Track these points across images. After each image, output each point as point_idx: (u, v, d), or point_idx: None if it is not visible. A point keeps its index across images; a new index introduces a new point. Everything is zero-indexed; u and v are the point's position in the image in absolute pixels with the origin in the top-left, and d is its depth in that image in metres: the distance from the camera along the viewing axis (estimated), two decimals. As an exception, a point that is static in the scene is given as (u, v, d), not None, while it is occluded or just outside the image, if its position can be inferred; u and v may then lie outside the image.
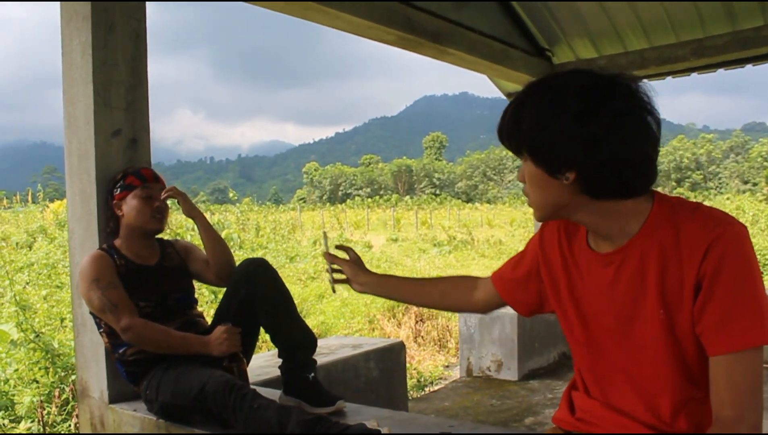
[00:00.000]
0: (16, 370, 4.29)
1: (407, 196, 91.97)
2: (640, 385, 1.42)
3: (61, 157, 2.93)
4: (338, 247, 2.17)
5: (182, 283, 2.83)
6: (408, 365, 5.78)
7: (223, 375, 2.38)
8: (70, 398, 4.04)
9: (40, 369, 4.23)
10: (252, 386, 2.43)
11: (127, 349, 2.61)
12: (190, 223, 10.57)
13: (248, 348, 2.77)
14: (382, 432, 2.20)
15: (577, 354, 1.56)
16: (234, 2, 3.70)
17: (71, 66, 2.83)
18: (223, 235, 9.09)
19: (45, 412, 3.93)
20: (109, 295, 2.52)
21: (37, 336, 4.37)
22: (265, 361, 3.61)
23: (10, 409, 4.06)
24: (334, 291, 2.18)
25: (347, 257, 2.09)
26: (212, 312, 2.86)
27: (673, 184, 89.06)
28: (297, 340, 2.69)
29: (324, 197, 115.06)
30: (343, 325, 7.61)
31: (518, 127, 1.35)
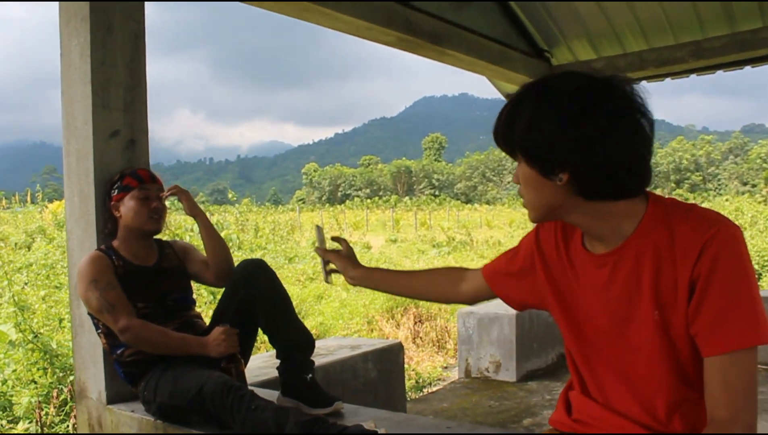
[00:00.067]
0: (15, 370, 4.29)
1: (406, 197, 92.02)
2: (635, 386, 1.42)
3: (60, 157, 2.93)
4: (333, 238, 2.18)
5: (180, 284, 2.83)
6: (406, 366, 5.78)
7: (220, 376, 2.38)
8: (69, 399, 4.04)
9: (38, 370, 4.23)
10: (250, 387, 2.43)
11: (125, 350, 2.61)
12: (189, 223, 10.57)
13: (246, 349, 2.77)
14: (380, 433, 2.20)
15: (573, 354, 1.56)
16: (233, 3, 3.71)
17: (70, 66, 2.83)
18: (221, 235, 9.05)
19: (43, 412, 3.92)
20: (107, 295, 2.52)
21: (36, 336, 4.36)
22: (263, 361, 3.61)
23: (8, 409, 4.05)
24: (327, 282, 2.20)
25: (340, 248, 2.12)
26: (211, 313, 2.86)
27: (672, 185, 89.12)
28: (295, 341, 2.70)
29: (323, 198, 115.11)
30: (341, 326, 7.61)
31: (512, 129, 1.36)
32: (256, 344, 3.11)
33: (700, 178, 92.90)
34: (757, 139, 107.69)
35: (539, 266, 1.58)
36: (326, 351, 3.91)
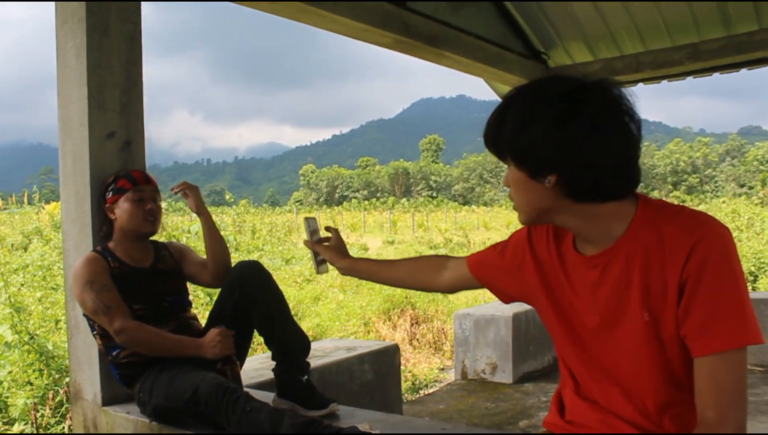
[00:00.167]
0: (10, 372, 4.27)
1: (404, 199, 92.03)
2: (625, 386, 1.43)
3: (57, 158, 2.93)
4: (326, 228, 2.21)
5: (176, 286, 2.83)
6: (403, 368, 5.78)
7: (216, 377, 2.38)
8: (64, 400, 4.03)
9: (34, 371, 4.22)
10: (245, 389, 2.43)
11: (121, 352, 2.61)
12: (186, 225, 10.56)
13: (242, 350, 2.77)
14: (372, 434, 2.21)
15: (564, 355, 1.56)
16: (230, 4, 3.71)
17: (66, 68, 2.83)
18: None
19: (39, 414, 3.92)
20: (102, 297, 2.52)
21: (32, 338, 4.35)
22: (259, 363, 3.61)
23: (3, 411, 4.05)
24: (318, 273, 2.23)
25: (329, 235, 2.17)
26: (207, 314, 2.86)
27: (670, 187, 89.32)
28: (291, 342, 2.70)
29: (321, 199, 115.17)
30: (338, 328, 7.60)
31: (501, 132, 1.38)
32: (252, 346, 3.12)
33: (697, 180, 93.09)
34: (754, 142, 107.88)
35: (531, 265, 1.59)
36: (322, 353, 3.91)
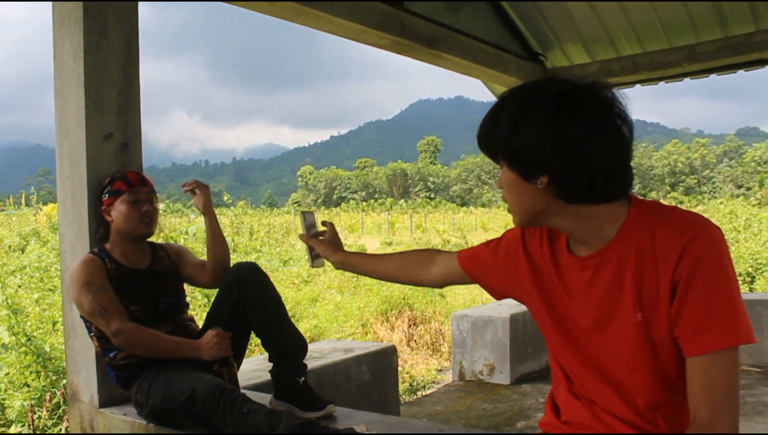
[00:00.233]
0: (7, 373, 4.27)
1: (402, 200, 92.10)
2: (618, 386, 1.44)
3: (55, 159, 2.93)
4: (323, 223, 2.23)
5: (173, 287, 2.83)
6: (401, 369, 5.78)
7: (213, 379, 2.38)
8: (61, 402, 4.02)
9: (31, 373, 4.22)
10: (242, 390, 2.43)
11: (118, 353, 2.61)
12: (184, 226, 10.55)
13: (239, 352, 2.77)
14: (364, 433, 2.21)
15: (557, 354, 1.57)
16: (228, 5, 3.71)
17: (63, 69, 2.83)
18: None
19: (36, 416, 3.91)
20: (99, 298, 2.51)
21: (29, 339, 4.35)
22: (256, 365, 3.61)
23: (0, 413, 4.04)
24: (312, 267, 2.25)
25: (325, 230, 2.19)
26: (205, 315, 2.86)
27: (668, 188, 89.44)
28: (288, 344, 2.70)
29: (319, 201, 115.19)
30: (336, 329, 7.60)
31: (494, 134, 1.39)
32: (249, 347, 3.11)
33: (695, 181, 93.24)
34: (751, 143, 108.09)
35: (524, 265, 1.59)
36: (319, 354, 3.91)
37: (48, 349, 4.32)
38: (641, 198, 1.43)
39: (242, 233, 16.34)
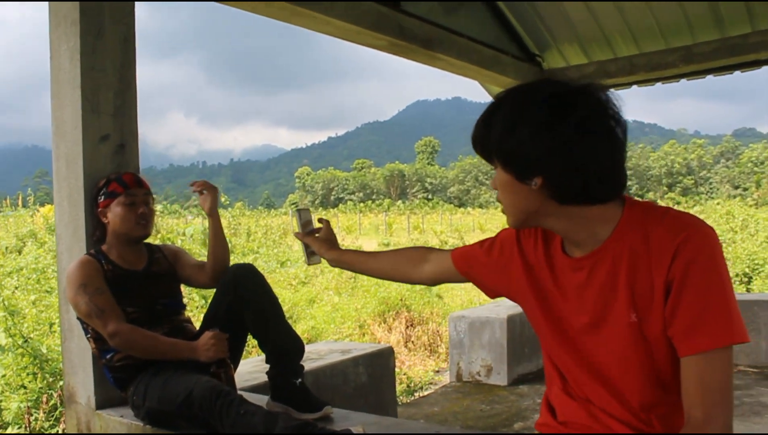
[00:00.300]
0: (4, 375, 4.26)
1: (399, 201, 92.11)
2: (613, 386, 1.44)
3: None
4: (319, 220, 2.24)
5: (170, 289, 2.82)
6: (398, 370, 5.78)
7: (209, 381, 2.38)
8: (58, 404, 4.02)
9: (28, 374, 4.21)
10: (239, 392, 2.43)
11: (115, 355, 2.60)
12: (181, 227, 10.54)
13: (236, 353, 2.76)
14: (354, 433, 2.21)
15: (552, 354, 1.57)
16: (225, 6, 3.71)
17: (59, 71, 2.82)
18: (208, 239, 9.02)
19: (32, 418, 3.91)
20: (96, 300, 2.51)
21: (26, 341, 4.35)
22: (253, 366, 3.61)
23: (-3, 414, 4.04)
24: (308, 264, 2.25)
25: (321, 226, 2.19)
26: (202, 317, 2.86)
27: (665, 189, 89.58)
28: (284, 345, 2.69)
29: (316, 202, 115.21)
30: (333, 330, 7.61)
31: (489, 135, 1.39)
32: (246, 348, 3.11)
33: (692, 181, 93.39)
34: (748, 143, 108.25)
35: (519, 265, 1.60)
36: (316, 355, 3.91)
37: (45, 351, 4.32)
38: (635, 199, 1.44)
39: (240, 234, 16.35)
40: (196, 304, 6.62)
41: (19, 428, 3.88)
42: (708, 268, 1.29)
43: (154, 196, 2.84)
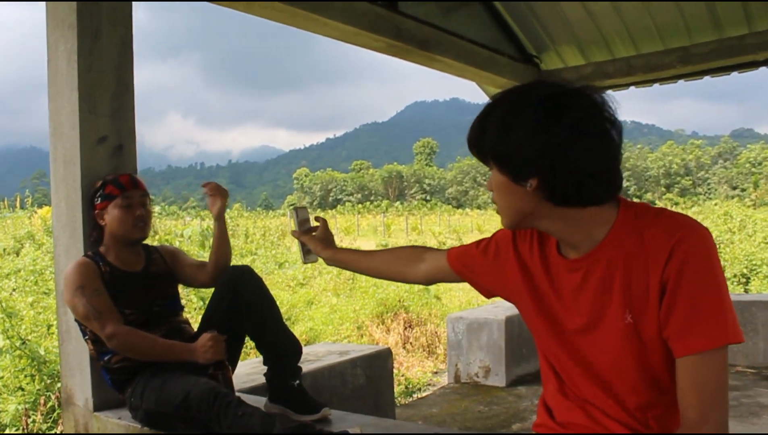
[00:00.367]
0: (2, 377, 4.26)
1: (398, 202, 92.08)
2: (609, 387, 1.45)
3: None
4: (316, 218, 2.24)
5: (168, 290, 2.82)
6: (396, 371, 5.78)
7: (207, 383, 2.37)
8: (56, 406, 4.02)
9: (25, 376, 4.21)
10: (237, 394, 2.43)
11: (113, 357, 2.60)
12: (179, 229, 10.53)
13: (233, 355, 2.76)
14: (351, 433, 2.22)
15: (548, 354, 1.57)
16: (223, 7, 3.71)
17: (57, 72, 2.82)
18: (212, 241, 9.05)
19: (30, 420, 3.91)
20: (93, 302, 2.51)
21: (23, 343, 4.34)
22: (251, 368, 3.61)
23: (-6, 416, 4.03)
24: (304, 263, 2.26)
25: (318, 225, 2.19)
26: (200, 318, 2.86)
27: (663, 189, 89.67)
28: (282, 347, 2.69)
29: (314, 203, 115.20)
30: (331, 332, 7.61)
31: (484, 137, 1.40)
32: (244, 350, 3.11)
33: (690, 182, 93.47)
34: (745, 144, 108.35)
35: (515, 266, 1.60)
36: (314, 357, 3.91)
37: (42, 353, 4.31)
38: (630, 200, 1.44)
39: (238, 236, 16.34)
40: (194, 305, 6.62)
41: (16, 430, 3.88)
42: (702, 268, 1.29)
43: (152, 197, 2.83)
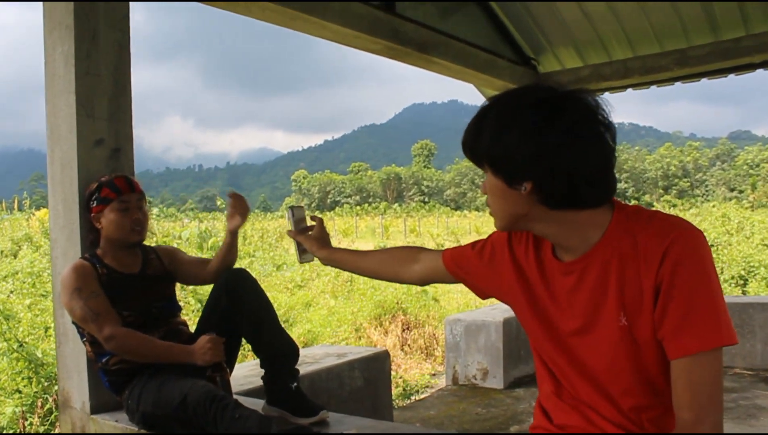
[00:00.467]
0: (-1, 379, 4.26)
1: (396, 204, 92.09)
2: (604, 389, 1.45)
3: (48, 165, 2.93)
4: (312, 217, 2.24)
5: (165, 291, 2.82)
6: (394, 374, 5.78)
7: (205, 385, 2.37)
8: (53, 408, 4.01)
9: (22, 379, 4.20)
10: (235, 396, 2.43)
11: (110, 359, 2.60)
12: (177, 230, 10.52)
13: (231, 357, 2.76)
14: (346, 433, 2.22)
15: (544, 356, 1.58)
16: (223, 10, 3.71)
17: (54, 75, 2.82)
18: (210, 243, 9.07)
19: (27, 422, 3.90)
20: (91, 304, 2.50)
21: (21, 345, 4.34)
22: (248, 370, 3.60)
23: (-9, 419, 4.03)
24: (300, 262, 2.26)
25: (314, 224, 2.19)
26: (197, 320, 2.86)
27: (661, 191, 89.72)
28: (279, 349, 2.69)
29: (313, 205, 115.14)
30: (329, 334, 7.60)
31: (478, 140, 1.40)
32: (242, 352, 3.11)
33: (688, 184, 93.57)
34: (743, 146, 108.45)
35: (510, 268, 1.60)
36: (312, 359, 3.91)
37: (40, 355, 4.31)
38: (624, 203, 1.45)
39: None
40: (191, 307, 6.61)
41: (13, 433, 3.87)
42: (696, 270, 1.29)
43: (150, 199, 2.83)
